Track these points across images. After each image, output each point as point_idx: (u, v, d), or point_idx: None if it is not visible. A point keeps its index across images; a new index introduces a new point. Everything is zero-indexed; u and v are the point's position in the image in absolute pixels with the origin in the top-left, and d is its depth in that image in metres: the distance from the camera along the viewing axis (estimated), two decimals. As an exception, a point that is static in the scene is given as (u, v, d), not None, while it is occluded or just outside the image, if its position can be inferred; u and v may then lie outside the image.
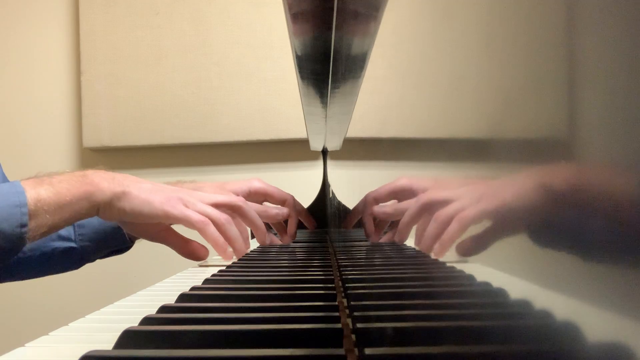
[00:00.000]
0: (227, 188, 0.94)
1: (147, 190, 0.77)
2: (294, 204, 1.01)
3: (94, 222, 0.88)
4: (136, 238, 0.94)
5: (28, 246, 0.70)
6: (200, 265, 0.86)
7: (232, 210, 0.84)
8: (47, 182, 0.71)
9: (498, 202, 0.16)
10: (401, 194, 0.37)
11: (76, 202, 0.71)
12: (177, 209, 0.77)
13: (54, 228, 0.72)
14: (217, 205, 0.82)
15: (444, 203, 0.23)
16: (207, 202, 0.82)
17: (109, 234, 0.91)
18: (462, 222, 0.20)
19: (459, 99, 0.21)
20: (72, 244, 0.90)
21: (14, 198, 0.66)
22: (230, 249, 0.82)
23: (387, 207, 0.41)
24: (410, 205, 0.30)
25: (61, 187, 0.71)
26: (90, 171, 0.76)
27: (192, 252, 0.87)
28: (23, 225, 0.66)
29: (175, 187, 0.82)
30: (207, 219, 0.78)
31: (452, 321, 0.22)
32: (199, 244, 0.87)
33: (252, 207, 0.88)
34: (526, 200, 0.14)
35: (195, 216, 0.78)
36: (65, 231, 0.88)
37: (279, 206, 1.00)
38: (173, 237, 0.86)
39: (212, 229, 0.78)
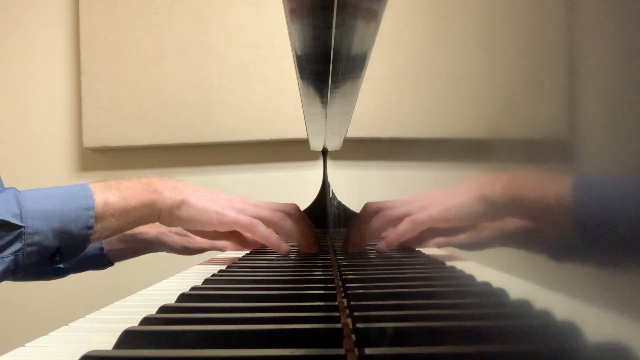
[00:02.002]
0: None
1: (203, 200, 0.81)
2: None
3: None
4: (117, 260, 1.00)
5: None
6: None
7: (272, 224, 0.89)
8: (115, 187, 0.74)
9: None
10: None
11: (140, 209, 0.75)
12: (228, 216, 0.81)
13: (117, 231, 0.75)
14: (272, 210, 0.87)
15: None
16: (263, 207, 0.86)
17: (92, 259, 0.97)
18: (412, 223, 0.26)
19: (459, 99, 0.21)
20: (60, 265, 0.95)
21: (83, 201, 0.69)
22: (285, 245, 0.86)
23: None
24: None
25: (127, 193, 0.74)
26: (155, 179, 0.80)
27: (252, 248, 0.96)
28: (89, 227, 0.70)
29: (232, 197, 0.87)
30: (255, 220, 0.82)
31: (452, 321, 0.22)
32: (256, 241, 0.95)
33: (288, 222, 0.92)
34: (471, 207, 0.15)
35: (243, 219, 0.82)
36: None
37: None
38: (233, 237, 0.91)
39: (260, 228, 0.82)
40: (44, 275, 0.96)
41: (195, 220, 0.80)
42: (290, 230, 0.85)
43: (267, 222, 0.84)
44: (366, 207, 0.51)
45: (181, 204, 0.79)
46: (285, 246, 0.86)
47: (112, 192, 0.73)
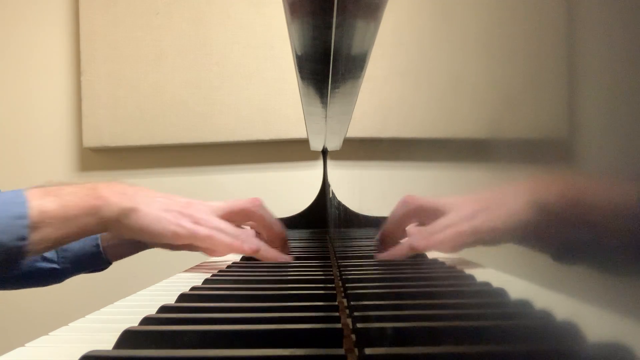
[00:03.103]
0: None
1: (156, 208, 0.72)
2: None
3: (76, 245, 0.85)
4: (115, 258, 0.91)
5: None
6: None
7: (247, 215, 0.82)
8: (54, 192, 0.67)
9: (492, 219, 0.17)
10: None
11: (82, 217, 0.68)
12: (185, 229, 0.73)
13: (60, 242, 0.69)
14: (232, 213, 0.79)
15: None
16: (221, 212, 0.78)
17: (88, 258, 0.88)
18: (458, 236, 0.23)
19: (459, 99, 0.21)
20: (55, 266, 0.87)
21: (14, 209, 0.63)
22: (248, 244, 0.78)
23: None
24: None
25: (68, 199, 0.67)
26: (102, 184, 0.72)
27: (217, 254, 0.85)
28: (22, 239, 0.63)
29: (187, 202, 0.78)
30: (214, 232, 0.75)
31: (452, 321, 0.22)
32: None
33: (267, 211, 0.84)
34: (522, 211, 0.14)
35: (202, 231, 0.74)
36: (50, 253, 0.85)
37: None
38: (195, 248, 0.81)
39: (219, 237, 0.75)
40: (40, 281, 0.88)
41: (146, 230, 0.71)
42: (254, 246, 0.77)
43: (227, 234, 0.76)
44: (407, 202, 0.46)
45: (130, 211, 0.70)
46: (248, 246, 0.77)
47: (50, 198, 0.66)
